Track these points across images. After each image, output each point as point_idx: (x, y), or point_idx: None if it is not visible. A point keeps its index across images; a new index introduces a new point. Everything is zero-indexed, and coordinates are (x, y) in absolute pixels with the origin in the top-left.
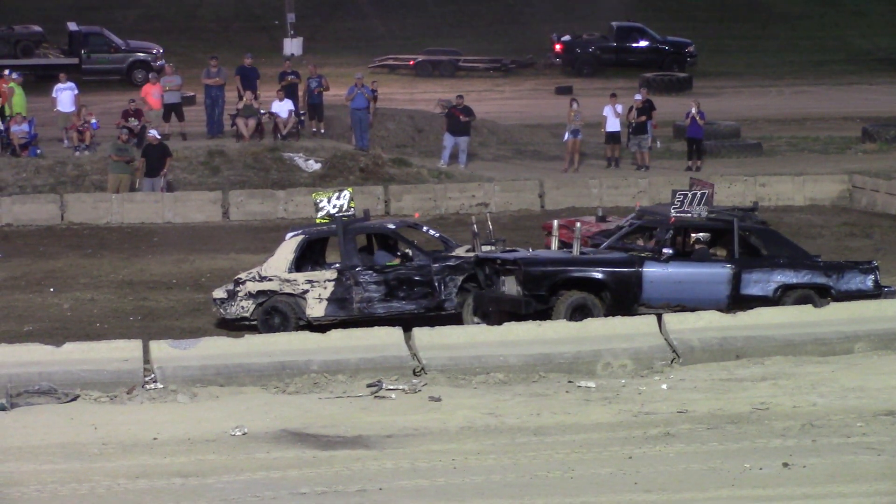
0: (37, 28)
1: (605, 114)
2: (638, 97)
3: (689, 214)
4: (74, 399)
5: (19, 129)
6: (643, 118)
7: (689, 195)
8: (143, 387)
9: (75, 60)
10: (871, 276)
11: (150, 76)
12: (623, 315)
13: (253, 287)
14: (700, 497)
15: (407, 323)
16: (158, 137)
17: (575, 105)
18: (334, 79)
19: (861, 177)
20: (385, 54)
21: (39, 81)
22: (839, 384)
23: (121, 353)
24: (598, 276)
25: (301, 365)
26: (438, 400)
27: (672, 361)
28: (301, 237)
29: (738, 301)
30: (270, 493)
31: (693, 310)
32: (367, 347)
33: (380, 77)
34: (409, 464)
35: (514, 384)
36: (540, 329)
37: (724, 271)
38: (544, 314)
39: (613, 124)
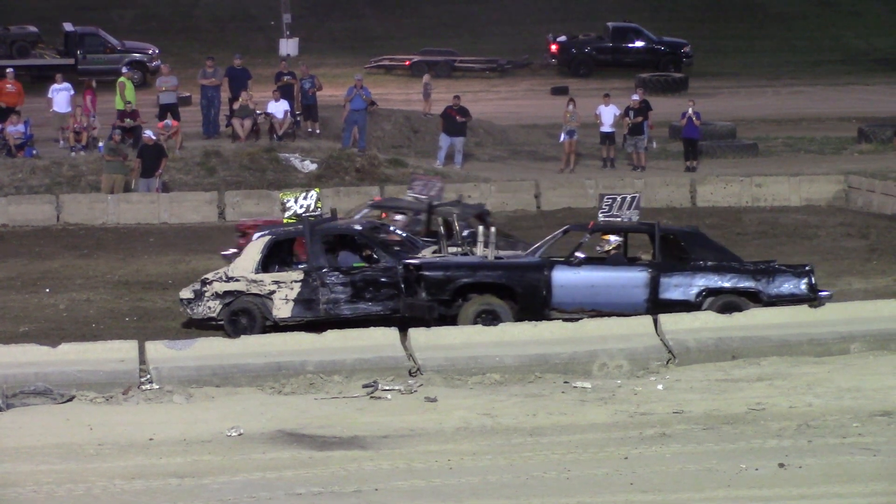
0: (32, 28)
1: (598, 113)
2: (635, 97)
3: (619, 219)
4: (70, 400)
5: (15, 130)
6: (640, 119)
7: (619, 199)
8: (139, 387)
9: (71, 61)
10: (805, 280)
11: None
12: (535, 319)
13: (220, 287)
14: (696, 497)
15: (403, 323)
16: (154, 138)
17: (571, 106)
18: (331, 79)
19: (857, 177)
20: (381, 55)
21: (35, 82)
22: (835, 385)
23: (117, 353)
24: (504, 280)
25: (297, 365)
26: (434, 400)
27: (668, 362)
28: (268, 238)
29: (657, 306)
30: (266, 493)
31: (609, 315)
32: (362, 348)
33: (376, 77)
34: (405, 464)
35: (509, 385)
36: (536, 329)
37: (640, 275)
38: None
39: (608, 125)
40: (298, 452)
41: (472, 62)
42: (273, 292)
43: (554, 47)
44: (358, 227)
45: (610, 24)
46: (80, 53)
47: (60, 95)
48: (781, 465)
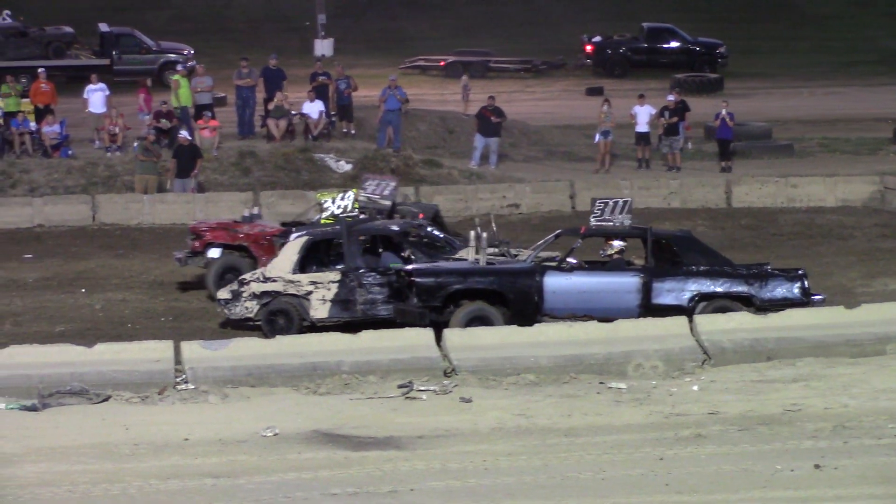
0: (68, 29)
1: (633, 113)
2: (670, 98)
3: (611, 223)
4: (106, 400)
5: (51, 130)
6: (675, 119)
7: (611, 203)
8: (174, 387)
9: (106, 61)
10: (798, 284)
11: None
12: (527, 325)
13: (257, 288)
14: (731, 499)
15: (437, 324)
16: (189, 138)
17: (605, 106)
18: (365, 80)
19: (893, 178)
20: (416, 55)
21: (70, 82)
22: (871, 386)
23: (152, 353)
24: (495, 286)
25: (332, 366)
26: (469, 401)
27: (703, 363)
28: (305, 238)
29: (650, 311)
30: (302, 493)
31: (601, 321)
32: (397, 348)
33: (410, 78)
34: (441, 465)
35: (544, 385)
36: (571, 330)
37: (632, 280)
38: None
39: (643, 125)
40: (334, 453)
41: (506, 62)
42: (310, 293)
43: (589, 48)
44: (395, 228)
45: (645, 24)
46: (116, 54)
47: (96, 96)
48: (817, 467)
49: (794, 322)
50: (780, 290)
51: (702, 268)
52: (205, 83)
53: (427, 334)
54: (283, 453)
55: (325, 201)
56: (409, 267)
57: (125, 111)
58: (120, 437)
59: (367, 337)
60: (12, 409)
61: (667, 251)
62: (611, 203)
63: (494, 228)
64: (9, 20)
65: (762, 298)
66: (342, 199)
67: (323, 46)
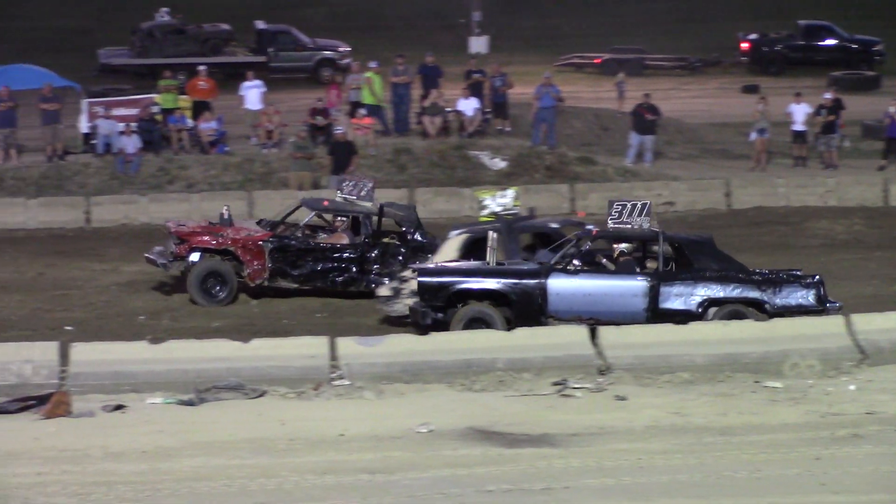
0: (225, 26)
1: (790, 111)
2: (827, 96)
3: (629, 226)
4: (262, 395)
5: (208, 127)
6: (832, 117)
7: (629, 206)
8: (329, 383)
9: (263, 58)
10: (814, 291)
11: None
12: (531, 326)
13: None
14: (889, 499)
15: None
16: (345, 135)
17: (761, 105)
18: (520, 77)
19: None
20: (571, 53)
21: (227, 79)
22: None
23: (308, 349)
24: (498, 287)
25: (487, 363)
26: (624, 399)
27: (860, 362)
28: (465, 235)
29: (657, 316)
30: (456, 490)
31: (608, 324)
32: (552, 346)
33: (565, 75)
34: (595, 462)
35: (699, 384)
36: (726, 329)
37: (639, 284)
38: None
39: (800, 123)
40: (488, 449)
41: (662, 60)
42: None
43: (745, 45)
44: (555, 225)
45: (801, 22)
46: (272, 51)
47: (252, 93)
48: None
49: None
50: (795, 296)
51: (712, 273)
52: (360, 80)
53: (582, 332)
54: (437, 450)
55: (485, 198)
56: (415, 266)
57: (281, 108)
58: (276, 433)
59: (522, 334)
60: (170, 403)
61: (680, 256)
62: (629, 205)
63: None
64: (167, 17)
65: (775, 305)
66: (501, 196)
67: (478, 44)
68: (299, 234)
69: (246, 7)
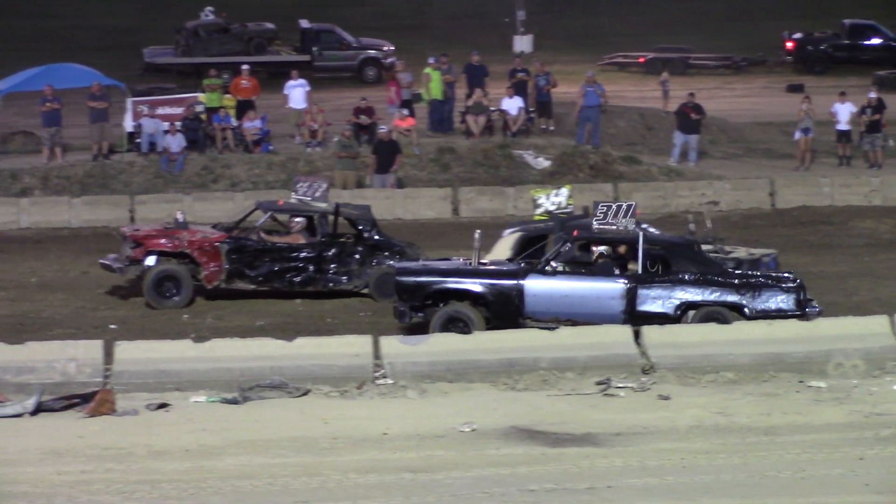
0: (269, 25)
1: (834, 110)
2: (871, 95)
3: (614, 227)
4: (305, 394)
5: (252, 125)
6: (877, 116)
7: (614, 207)
8: (373, 382)
9: (307, 57)
10: (794, 295)
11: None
12: (510, 327)
13: None
14: None
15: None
16: (389, 134)
17: (805, 104)
18: (564, 76)
19: None
20: (615, 52)
21: (271, 78)
22: None
23: (351, 348)
24: (475, 287)
25: (530, 362)
26: (667, 398)
27: None
28: (519, 234)
29: (635, 318)
30: (499, 489)
31: (586, 325)
32: (595, 345)
33: (609, 74)
34: (638, 462)
35: (743, 383)
36: (770, 328)
37: (616, 286)
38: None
39: (844, 123)
40: (531, 448)
41: (706, 59)
42: None
43: (789, 44)
44: None
45: (846, 21)
46: (316, 50)
47: (296, 92)
48: None
49: None
50: (774, 300)
51: (691, 276)
52: (404, 79)
53: (625, 331)
54: (480, 449)
55: (539, 197)
56: (397, 265)
57: (325, 107)
58: (319, 431)
59: (565, 334)
60: (213, 402)
61: (660, 258)
62: (614, 206)
63: (709, 225)
64: (211, 16)
65: (755, 308)
66: (556, 195)
67: (522, 42)
68: (255, 236)
69: (290, 6)
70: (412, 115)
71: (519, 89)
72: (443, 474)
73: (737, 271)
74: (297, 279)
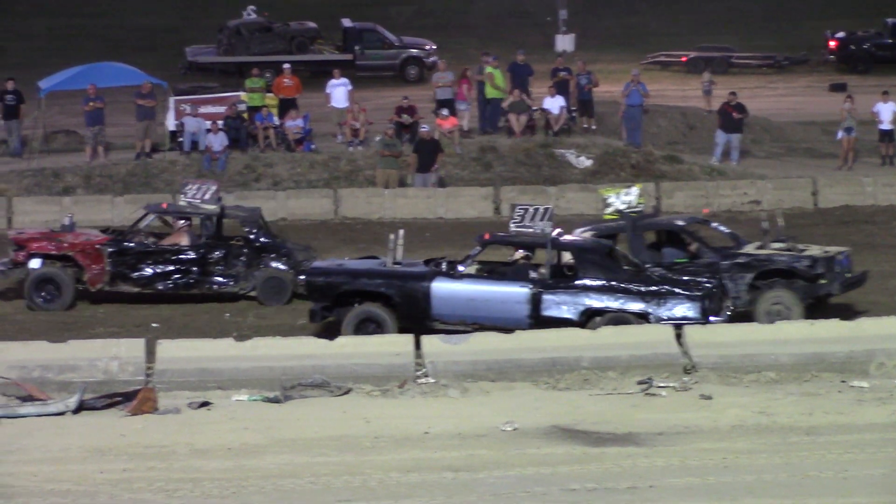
0: (311, 24)
1: (876, 110)
2: None
3: (531, 230)
4: (347, 392)
5: (294, 125)
6: None
7: (531, 210)
8: (414, 381)
9: (349, 56)
10: (698, 304)
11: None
12: (416, 329)
13: None
14: None
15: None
16: (431, 133)
17: (848, 103)
18: (606, 75)
19: None
20: (657, 51)
21: (313, 77)
22: None
23: (393, 347)
24: (381, 289)
25: (571, 361)
26: (709, 398)
27: None
28: (590, 233)
29: (540, 323)
30: (541, 488)
31: (492, 329)
32: (637, 344)
33: (651, 73)
34: (680, 462)
35: (785, 383)
36: (812, 328)
37: (521, 291)
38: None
39: (887, 122)
40: (573, 448)
41: (749, 58)
42: None
43: (832, 43)
44: (680, 223)
45: (889, 20)
46: (358, 49)
47: (338, 91)
48: None
49: None
50: (680, 308)
51: (597, 283)
52: (446, 78)
53: (667, 331)
54: (522, 448)
55: (609, 196)
56: (313, 265)
57: (367, 106)
58: (360, 430)
59: (607, 333)
60: (255, 400)
61: (565, 263)
62: (531, 209)
63: (781, 223)
64: (253, 15)
65: (659, 317)
66: (626, 194)
67: (564, 42)
68: (141, 239)
69: (332, 5)
70: (454, 114)
71: (561, 88)
72: (484, 473)
73: (648, 277)
74: (181, 281)
